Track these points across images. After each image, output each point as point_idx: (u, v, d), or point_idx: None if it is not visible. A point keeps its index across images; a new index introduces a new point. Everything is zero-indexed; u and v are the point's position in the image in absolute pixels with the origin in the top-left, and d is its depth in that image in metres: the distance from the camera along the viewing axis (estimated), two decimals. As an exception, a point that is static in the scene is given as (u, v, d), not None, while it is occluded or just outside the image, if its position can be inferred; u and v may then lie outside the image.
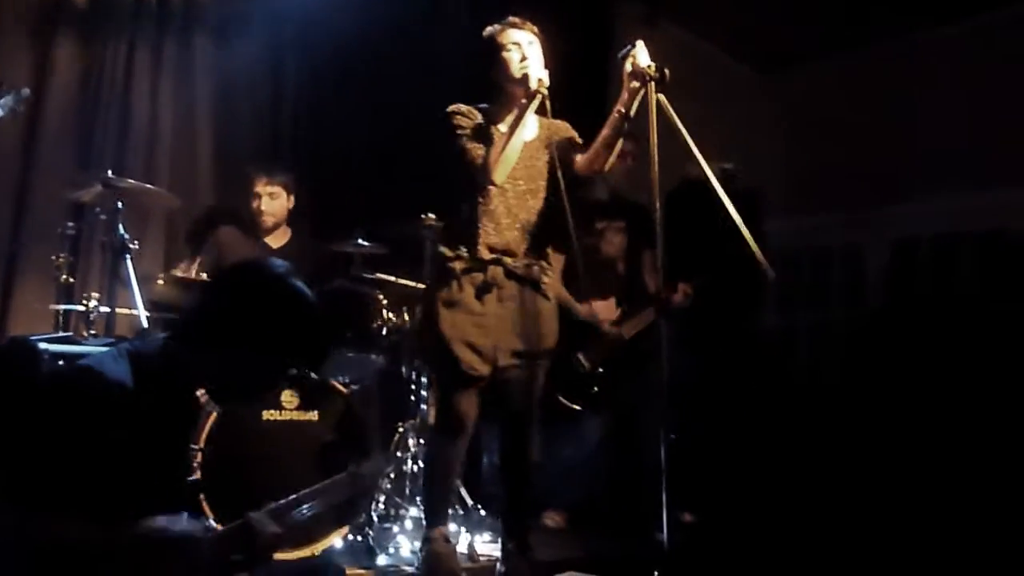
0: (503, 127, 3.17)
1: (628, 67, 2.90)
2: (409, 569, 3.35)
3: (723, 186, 3.06)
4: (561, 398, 4.26)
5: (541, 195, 3.22)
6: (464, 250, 3.14)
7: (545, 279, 3.23)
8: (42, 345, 2.86)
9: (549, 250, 3.28)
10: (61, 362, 2.84)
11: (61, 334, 3.31)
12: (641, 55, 2.87)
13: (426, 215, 4.02)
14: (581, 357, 4.34)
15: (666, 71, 2.80)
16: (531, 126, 3.18)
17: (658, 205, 2.72)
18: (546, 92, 3.04)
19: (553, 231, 3.23)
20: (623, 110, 2.98)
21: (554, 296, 3.29)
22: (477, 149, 3.13)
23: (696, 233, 3.98)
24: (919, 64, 5.35)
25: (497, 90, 3.22)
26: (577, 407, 4.30)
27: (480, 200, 3.15)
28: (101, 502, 1.85)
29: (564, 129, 3.27)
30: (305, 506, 2.18)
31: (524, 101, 3.07)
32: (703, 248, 4.27)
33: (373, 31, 4.86)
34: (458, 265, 3.13)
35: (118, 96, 4.67)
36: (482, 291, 3.11)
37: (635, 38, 3.75)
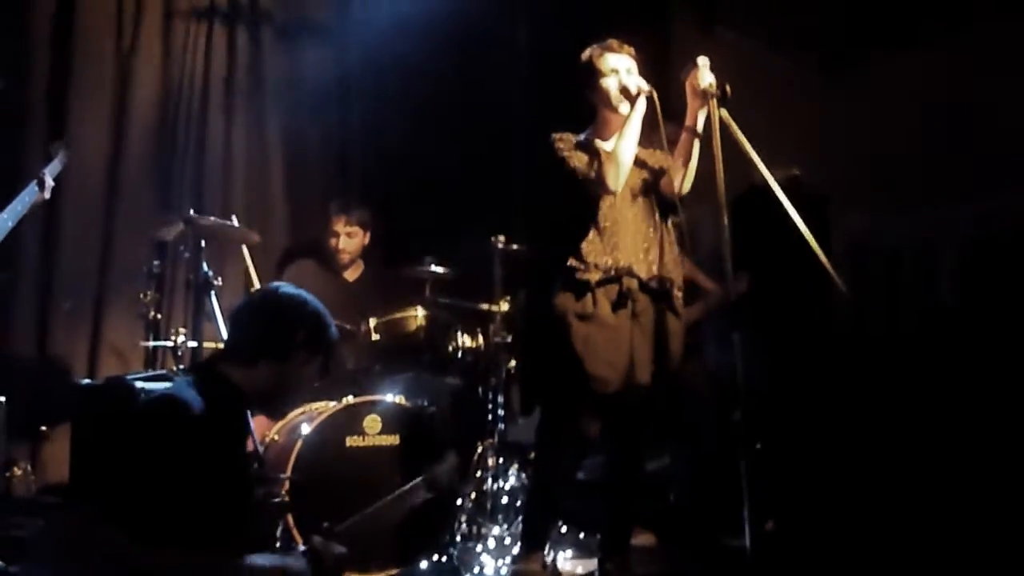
0: (605, 145, 3.15)
1: (690, 86, 2.94)
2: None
3: (790, 192, 3.07)
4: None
5: (646, 207, 3.20)
6: (596, 263, 3.08)
7: (677, 293, 3.18)
8: (138, 384, 3.00)
9: (669, 260, 3.23)
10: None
11: (153, 372, 3.45)
12: (703, 73, 2.90)
13: (495, 236, 4.10)
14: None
15: (727, 87, 2.83)
16: (632, 144, 3.11)
17: (725, 220, 2.74)
18: (650, 89, 3.03)
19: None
20: (691, 128, 3.00)
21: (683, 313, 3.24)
22: (585, 162, 3.11)
23: (762, 239, 3.97)
24: (982, 58, 5.26)
25: (594, 114, 3.23)
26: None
27: (598, 213, 3.12)
28: (194, 530, 1.95)
29: (656, 155, 3.23)
30: (382, 515, 2.28)
31: (630, 107, 3.07)
32: (768, 253, 4.25)
33: (434, 56, 4.95)
34: (592, 276, 3.07)
35: (194, 137, 4.87)
36: (618, 305, 3.06)
37: (693, 48, 3.78)
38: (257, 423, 3.18)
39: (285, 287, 2.27)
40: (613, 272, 3.08)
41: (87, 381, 3.52)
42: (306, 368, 2.22)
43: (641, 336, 3.10)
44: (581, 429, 3.12)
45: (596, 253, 3.10)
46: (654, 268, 3.15)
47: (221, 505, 2.09)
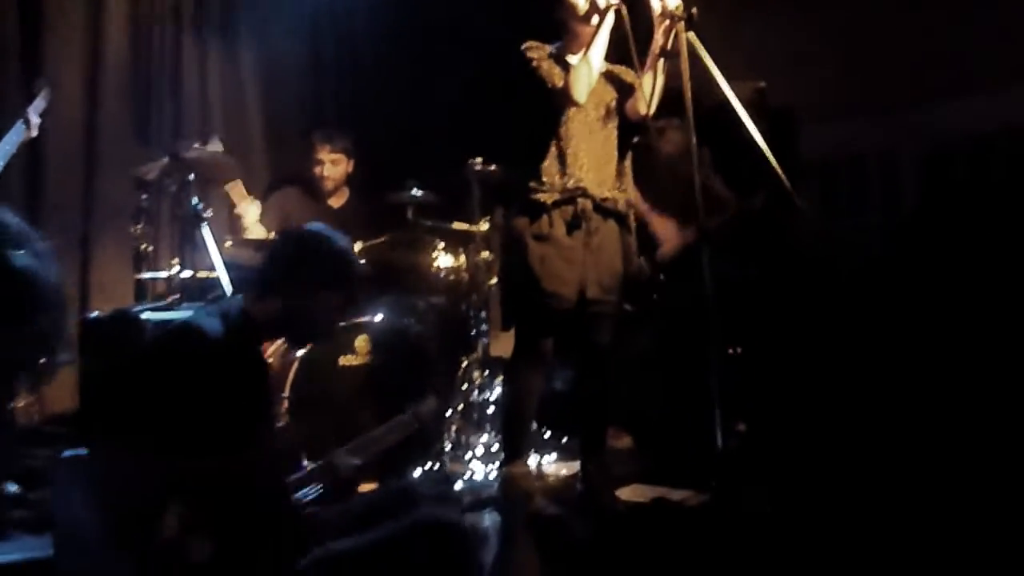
0: (574, 59, 3.22)
1: (658, 8, 3.03)
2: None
3: (757, 106, 3.19)
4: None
5: (614, 126, 3.30)
6: (552, 184, 3.19)
7: (631, 213, 3.31)
8: (144, 315, 3.14)
9: (627, 175, 3.34)
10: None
11: (157, 303, 3.59)
12: (670, -2, 3.00)
13: (472, 159, 4.22)
14: (643, 262, 4.43)
15: (694, 10, 2.93)
16: (599, 54, 3.17)
17: (695, 140, 2.87)
18: (618, 2, 3.08)
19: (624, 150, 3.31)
20: (658, 51, 3.10)
21: (634, 226, 3.36)
22: (554, 72, 3.19)
23: (733, 153, 4.07)
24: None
25: (564, 29, 3.30)
26: (632, 310, 4.36)
27: (561, 132, 3.21)
28: (209, 441, 2.11)
29: (627, 73, 3.30)
30: (377, 443, 2.47)
31: (598, 20, 3.12)
32: (742, 170, 4.35)
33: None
34: (547, 198, 3.18)
35: (168, 72, 4.91)
36: (573, 225, 3.17)
37: None
38: None
39: (315, 226, 2.36)
40: (568, 193, 3.20)
41: (94, 314, 3.64)
42: (327, 304, 2.30)
43: (594, 254, 3.23)
44: (542, 344, 3.30)
45: (553, 174, 3.21)
46: (609, 188, 3.28)
47: (245, 426, 2.23)
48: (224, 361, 2.17)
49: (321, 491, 2.33)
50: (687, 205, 4.47)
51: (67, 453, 2.72)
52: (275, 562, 2.13)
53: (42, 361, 4.52)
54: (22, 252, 1.21)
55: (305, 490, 2.31)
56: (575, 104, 3.16)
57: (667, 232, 4.41)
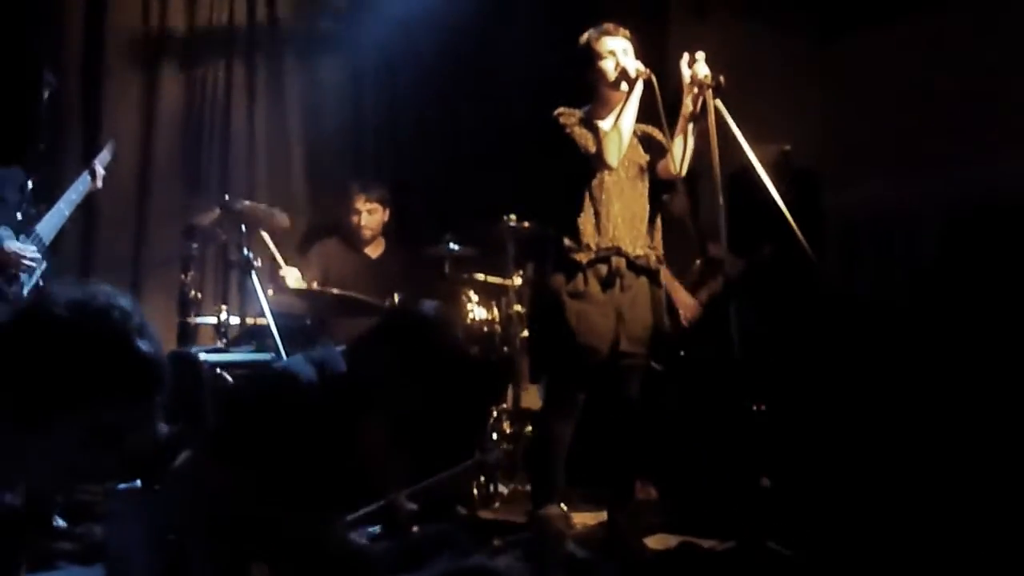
0: (604, 124, 3.38)
1: (687, 76, 3.20)
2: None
3: (782, 167, 3.34)
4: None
5: (645, 186, 3.45)
6: (587, 242, 3.34)
7: (662, 267, 3.46)
8: (202, 356, 3.30)
9: (657, 232, 3.47)
10: (219, 370, 3.25)
11: (213, 346, 3.76)
12: (700, 66, 3.18)
13: (507, 216, 4.39)
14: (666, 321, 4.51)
15: (722, 79, 3.11)
16: (630, 122, 3.33)
17: (721, 200, 3.03)
18: (648, 72, 3.25)
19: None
20: (688, 116, 3.26)
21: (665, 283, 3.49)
22: (587, 137, 3.35)
23: (756, 214, 4.21)
24: (967, 31, 5.46)
25: (594, 93, 3.44)
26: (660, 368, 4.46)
27: (594, 191, 3.35)
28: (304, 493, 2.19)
29: (656, 133, 3.44)
30: (438, 487, 2.57)
31: (628, 88, 3.28)
32: (764, 227, 4.47)
33: (441, 47, 5.21)
34: (583, 258, 3.33)
35: (219, 125, 5.18)
36: (607, 283, 3.32)
37: (688, 31, 3.97)
38: None
39: (430, 313, 2.48)
40: (603, 252, 3.33)
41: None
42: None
43: (628, 310, 3.36)
44: (574, 396, 3.41)
45: (588, 233, 3.34)
46: (642, 246, 3.41)
47: (331, 487, 2.30)
48: (315, 412, 2.23)
49: (378, 531, 2.43)
50: (694, 267, 4.65)
51: (121, 486, 2.87)
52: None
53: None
54: (146, 340, 1.35)
55: (363, 529, 2.41)
56: (608, 168, 3.32)
57: (684, 300, 4.52)
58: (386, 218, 4.74)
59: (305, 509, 2.20)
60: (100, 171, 3.84)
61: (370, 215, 4.67)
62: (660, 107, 3.24)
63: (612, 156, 3.28)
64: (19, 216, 3.54)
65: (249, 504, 2.14)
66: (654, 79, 3.26)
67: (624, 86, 3.32)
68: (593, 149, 3.32)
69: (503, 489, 4.24)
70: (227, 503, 2.16)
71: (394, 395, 2.36)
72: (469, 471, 2.65)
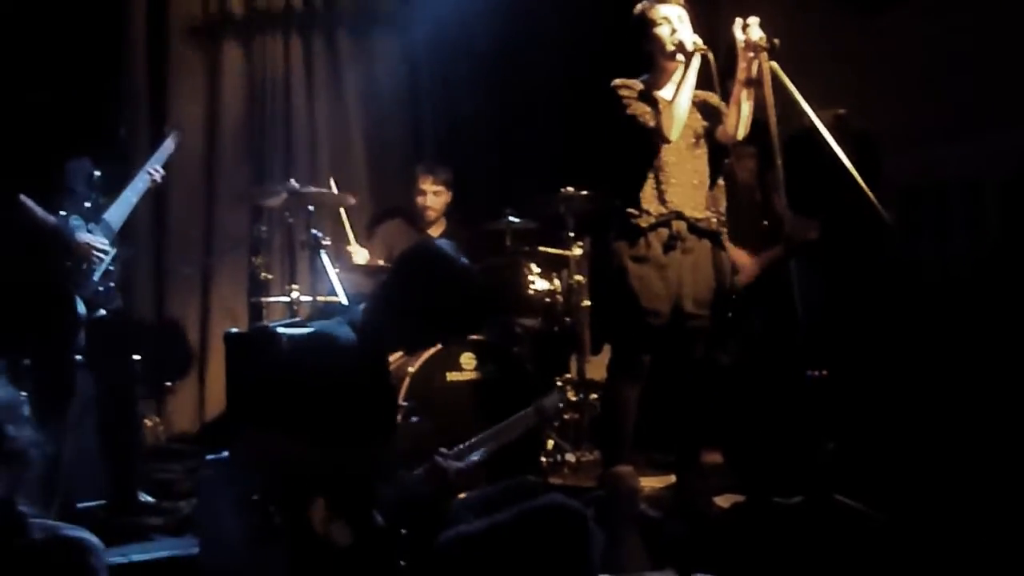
0: (663, 93, 3.43)
1: (742, 41, 3.22)
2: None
3: (839, 131, 3.35)
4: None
5: (704, 152, 3.49)
6: (649, 209, 3.39)
7: (724, 230, 3.50)
8: (279, 329, 3.44)
9: (719, 196, 3.52)
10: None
11: (289, 320, 3.90)
12: (753, 29, 3.19)
13: (564, 188, 4.46)
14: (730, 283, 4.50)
15: (776, 41, 3.13)
16: (688, 97, 3.35)
17: (780, 163, 3.06)
18: (706, 48, 3.28)
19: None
20: (744, 80, 3.28)
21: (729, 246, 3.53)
22: (646, 112, 3.39)
23: (817, 177, 4.21)
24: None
25: (651, 63, 3.48)
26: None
27: (654, 160, 3.39)
28: (343, 436, 2.32)
29: (712, 98, 3.47)
30: (497, 438, 2.65)
31: (685, 62, 3.32)
32: (824, 191, 4.47)
33: (495, 27, 5.28)
34: (644, 222, 3.38)
35: (280, 112, 5.33)
36: (669, 246, 3.38)
37: (740, 1, 3.95)
38: None
39: (441, 243, 2.56)
40: (664, 217, 3.38)
41: (233, 330, 3.98)
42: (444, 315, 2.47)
43: (690, 272, 3.41)
44: (639, 358, 3.46)
45: (649, 200, 3.39)
46: (702, 210, 3.45)
47: (371, 424, 2.46)
48: (354, 362, 2.39)
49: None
50: (760, 232, 4.66)
51: (210, 457, 3.02)
52: (408, 543, 2.34)
53: (167, 384, 4.92)
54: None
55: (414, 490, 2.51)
56: (668, 142, 3.37)
57: (742, 260, 4.49)
58: (449, 199, 4.83)
59: (353, 448, 2.32)
60: (159, 171, 3.91)
61: (435, 196, 4.77)
62: (714, 75, 3.28)
63: (672, 131, 3.33)
64: (88, 205, 3.65)
65: (306, 455, 2.29)
66: (711, 55, 3.29)
67: (680, 57, 3.34)
68: (652, 124, 3.36)
69: (571, 458, 4.33)
70: (289, 458, 2.30)
71: (412, 327, 2.47)
72: (527, 418, 2.69)
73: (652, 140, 3.39)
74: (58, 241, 3.44)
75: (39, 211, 3.42)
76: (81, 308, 3.50)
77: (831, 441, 4.47)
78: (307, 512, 2.28)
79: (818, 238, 4.49)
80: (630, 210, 3.41)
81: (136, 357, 3.83)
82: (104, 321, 3.62)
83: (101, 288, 3.60)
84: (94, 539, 2.07)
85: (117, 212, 3.75)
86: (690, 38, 3.33)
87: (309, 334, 2.52)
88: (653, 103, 3.43)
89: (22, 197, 3.39)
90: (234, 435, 2.54)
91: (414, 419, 2.82)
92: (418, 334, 2.57)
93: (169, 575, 3.13)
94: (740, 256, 4.45)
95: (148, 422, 4.70)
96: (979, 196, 5.88)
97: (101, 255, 3.57)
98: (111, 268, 3.64)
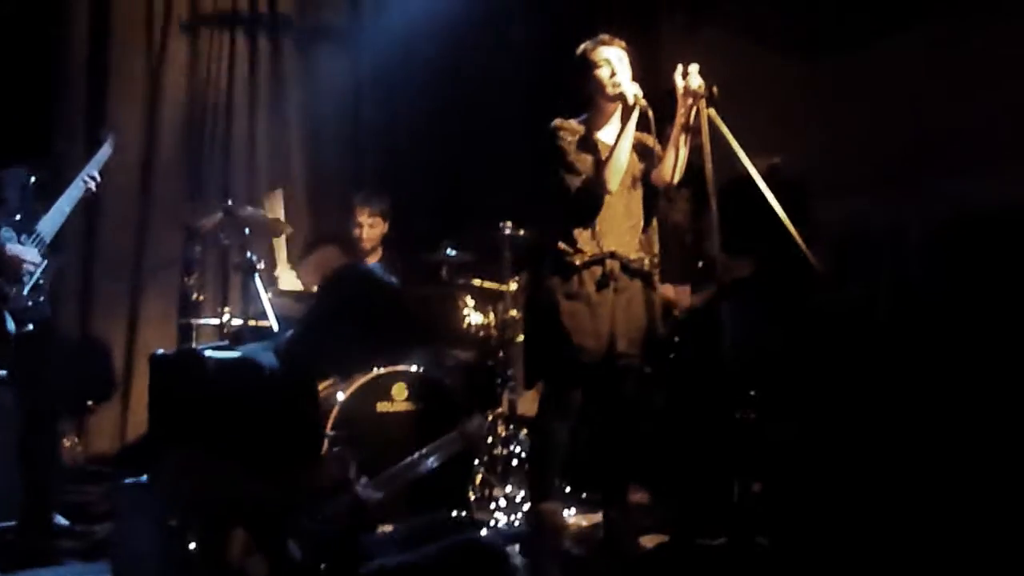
0: (603, 136, 3.49)
1: (681, 87, 3.30)
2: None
3: (771, 179, 3.43)
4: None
5: (639, 193, 3.55)
6: (582, 246, 3.42)
7: (656, 271, 3.55)
8: (207, 352, 3.37)
9: (653, 237, 3.56)
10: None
11: (218, 343, 3.83)
12: (693, 77, 3.27)
13: (502, 223, 4.48)
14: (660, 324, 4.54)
15: (714, 89, 3.21)
16: (627, 149, 3.41)
17: (714, 206, 3.12)
18: (645, 104, 3.34)
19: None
20: (681, 125, 3.36)
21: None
22: (586, 162, 3.45)
23: (750, 221, 4.29)
24: (958, 49, 5.58)
25: (591, 103, 3.54)
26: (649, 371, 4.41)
27: (590, 206, 3.43)
28: (264, 465, 2.28)
29: (648, 139, 3.52)
30: (418, 465, 2.62)
31: (624, 113, 3.38)
32: (757, 234, 4.56)
33: (439, 54, 5.34)
34: (578, 259, 3.42)
35: (220, 132, 5.28)
36: (601, 284, 3.41)
37: (680, 45, 4.05)
38: None
39: (369, 267, 2.57)
40: (598, 255, 3.41)
41: (160, 351, 3.88)
42: (366, 340, 2.44)
43: (622, 311, 3.44)
44: (569, 397, 3.49)
45: (583, 238, 3.43)
46: (636, 250, 3.50)
47: (294, 452, 2.43)
48: (276, 390, 2.35)
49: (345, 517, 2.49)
50: (693, 271, 4.74)
51: (128, 480, 2.94)
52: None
53: (88, 403, 4.80)
54: None
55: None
56: (608, 193, 3.41)
57: (676, 295, 4.56)
58: (386, 230, 4.81)
59: (274, 477, 2.28)
60: (96, 177, 3.84)
61: (371, 228, 4.74)
62: (651, 124, 3.36)
63: (612, 184, 3.39)
64: (19, 217, 3.59)
65: (227, 482, 2.24)
66: (650, 112, 3.35)
67: (628, 99, 3.37)
68: (592, 173, 3.41)
69: (499, 493, 4.32)
70: (209, 485, 2.26)
71: (340, 350, 2.44)
72: (452, 443, 2.68)
73: (591, 188, 3.43)
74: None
75: None
76: (9, 323, 3.42)
77: (755, 483, 4.59)
78: (224, 542, 2.25)
79: (750, 275, 4.59)
80: (564, 247, 3.44)
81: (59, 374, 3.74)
82: (30, 336, 3.53)
83: (30, 302, 3.52)
84: None
85: (50, 222, 3.68)
86: (631, 90, 3.38)
87: (232, 359, 2.48)
88: (593, 146, 3.48)
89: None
90: (155, 459, 2.49)
91: (335, 449, 2.78)
92: (343, 358, 2.52)
93: (80, 601, 3.04)
94: (672, 291, 4.52)
95: (66, 442, 4.57)
96: (905, 245, 6.07)
97: (30, 267, 3.50)
98: (40, 281, 3.57)
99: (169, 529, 2.44)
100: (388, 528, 2.59)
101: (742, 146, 3.28)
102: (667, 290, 4.42)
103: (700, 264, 4.59)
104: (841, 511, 4.04)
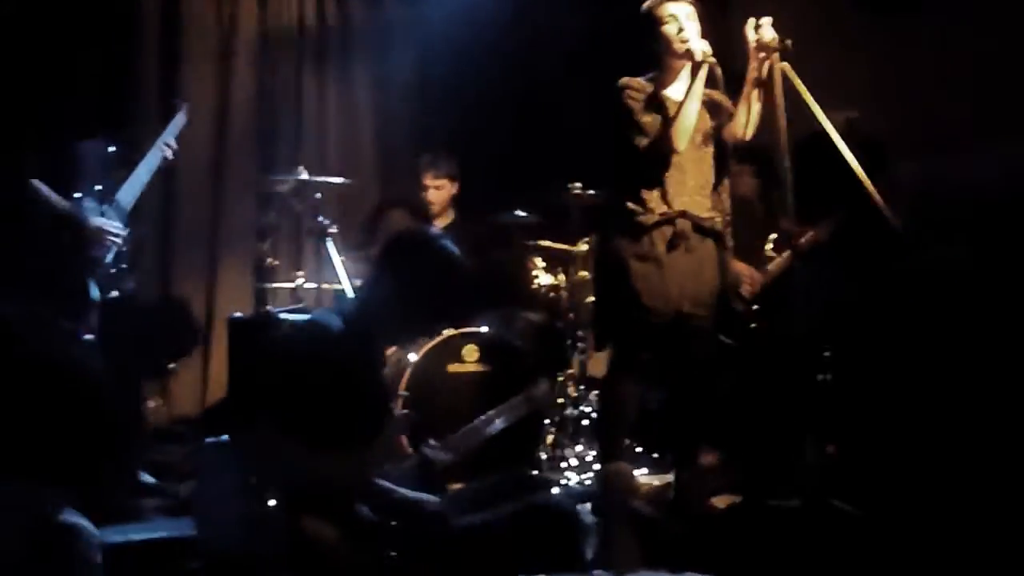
0: (671, 93, 3.43)
1: (754, 41, 3.22)
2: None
3: (849, 135, 3.34)
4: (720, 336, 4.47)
5: (711, 151, 3.49)
6: (652, 207, 3.39)
7: (728, 231, 3.49)
8: (282, 315, 3.46)
9: (724, 196, 3.52)
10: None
11: (292, 306, 3.92)
12: (766, 30, 3.19)
13: (571, 185, 4.46)
14: (737, 296, 4.41)
15: (788, 42, 3.12)
16: (695, 107, 3.36)
17: (788, 164, 3.05)
18: (714, 61, 3.28)
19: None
20: (754, 80, 3.28)
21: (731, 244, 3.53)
22: (653, 122, 3.39)
23: (826, 181, 4.20)
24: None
25: (659, 61, 3.48)
26: (732, 343, 4.34)
27: (659, 164, 3.39)
28: (331, 427, 2.33)
29: (720, 96, 3.48)
30: (485, 428, 2.65)
31: (692, 71, 3.32)
32: (833, 195, 4.46)
33: (507, 19, 5.29)
34: (648, 220, 3.39)
35: (291, 104, 5.36)
36: (672, 245, 3.38)
37: (752, 2, 3.93)
38: None
39: (429, 230, 2.58)
40: (668, 215, 3.38)
41: (238, 314, 3.99)
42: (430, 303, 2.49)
43: (693, 272, 3.41)
44: (638, 356, 3.48)
45: (653, 198, 3.39)
46: (707, 210, 3.45)
47: (362, 414, 2.47)
48: (341, 353, 2.39)
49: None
50: (758, 244, 4.67)
51: (210, 440, 3.03)
52: (398, 536, 2.35)
53: (170, 366, 4.95)
54: None
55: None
56: (675, 152, 3.36)
57: (745, 272, 4.44)
58: (454, 191, 4.83)
59: (341, 441, 2.32)
60: (172, 145, 3.92)
61: (438, 191, 4.77)
62: (719, 81, 3.31)
63: (680, 143, 3.33)
64: (101, 188, 3.69)
65: (298, 447, 2.28)
66: (718, 70, 3.29)
67: (695, 56, 3.30)
68: (660, 134, 3.36)
69: (570, 453, 4.34)
70: (282, 449, 2.30)
71: (401, 316, 2.47)
72: (517, 407, 2.70)
73: (659, 148, 3.38)
74: (71, 225, 3.46)
75: (52, 195, 3.44)
76: (94, 291, 3.53)
77: (830, 445, 4.53)
78: (298, 506, 2.29)
79: (827, 239, 4.49)
80: (633, 207, 3.41)
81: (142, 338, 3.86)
82: (116, 302, 3.65)
83: (113, 270, 3.64)
84: (88, 526, 2.09)
85: (130, 191, 3.79)
86: (699, 46, 3.31)
87: (302, 322, 2.52)
88: (660, 104, 3.43)
89: (35, 182, 3.42)
90: (235, 420, 2.55)
91: (404, 412, 2.82)
92: (403, 324, 2.56)
93: (166, 556, 3.14)
94: (743, 268, 4.45)
95: (151, 403, 4.72)
96: (983, 203, 5.88)
97: (114, 239, 3.60)
98: (123, 249, 3.68)
99: (249, 488, 2.50)
100: (459, 487, 2.61)
101: (817, 102, 3.20)
102: (740, 267, 4.35)
103: (773, 236, 4.53)
104: (917, 475, 4.01)
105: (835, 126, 3.23)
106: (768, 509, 3.09)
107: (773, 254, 4.51)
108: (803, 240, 4.35)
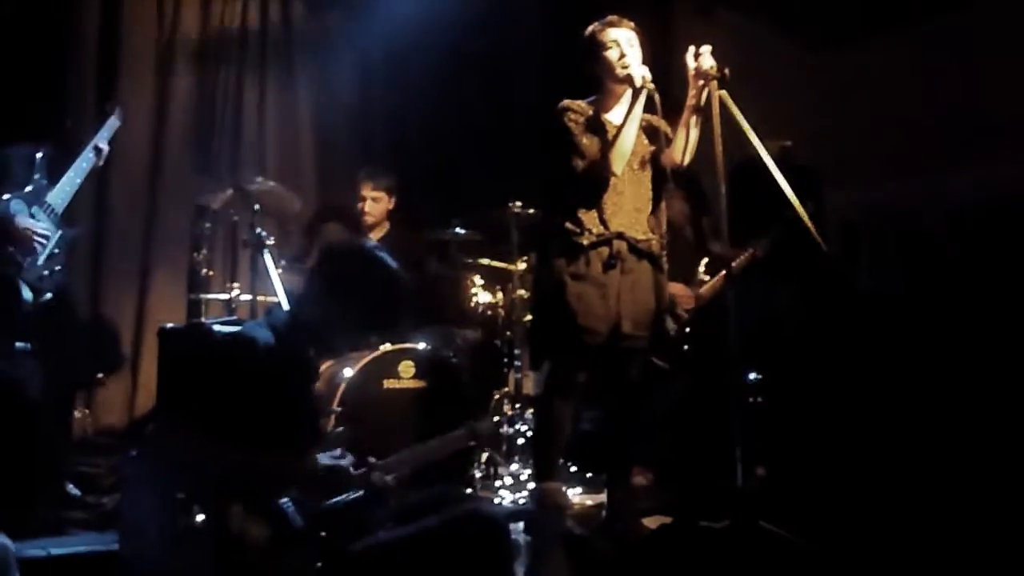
0: (611, 117, 3.48)
1: (693, 68, 3.27)
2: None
3: (783, 163, 3.41)
4: (653, 358, 4.53)
5: (648, 175, 3.54)
6: (590, 227, 3.42)
7: (664, 253, 3.52)
8: (214, 327, 3.40)
9: (662, 220, 3.55)
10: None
11: (226, 318, 3.86)
12: (705, 58, 3.24)
13: (512, 202, 4.48)
14: (668, 319, 4.58)
15: (726, 71, 3.19)
16: (633, 133, 3.41)
17: (723, 190, 3.11)
18: (653, 87, 3.33)
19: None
20: (692, 107, 3.34)
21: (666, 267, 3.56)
22: (592, 145, 3.43)
23: (759, 205, 4.28)
24: (967, 40, 5.55)
25: (600, 84, 3.52)
26: (666, 365, 4.34)
27: (598, 187, 3.42)
28: (262, 437, 2.32)
29: (658, 121, 3.51)
30: (425, 455, 2.66)
31: (632, 96, 3.36)
32: (765, 218, 4.55)
33: (451, 34, 5.32)
34: (584, 240, 3.41)
35: (230, 112, 5.29)
36: (608, 265, 3.42)
37: (694, 28, 4.02)
38: None
39: (366, 243, 2.58)
40: (605, 236, 3.41)
41: (169, 325, 3.92)
42: (361, 316, 2.49)
43: (629, 292, 3.43)
44: (574, 377, 3.49)
45: (591, 219, 3.42)
46: (644, 232, 3.49)
47: (290, 428, 2.45)
48: (270, 365, 2.38)
49: (359, 496, 2.51)
50: (689, 268, 4.74)
51: (135, 452, 2.97)
52: (327, 546, 2.32)
53: (98, 376, 4.83)
54: None
55: (345, 495, 2.51)
56: (613, 175, 3.40)
57: (679, 292, 4.54)
58: (390, 205, 4.80)
59: (270, 451, 2.32)
60: (104, 148, 3.87)
61: (374, 203, 4.74)
62: (658, 107, 3.36)
63: (617, 167, 3.38)
64: (29, 189, 3.63)
65: (229, 456, 2.28)
66: (656, 97, 3.34)
67: (635, 81, 3.35)
68: (598, 157, 3.40)
69: (504, 472, 4.34)
70: (206, 457, 2.29)
71: (334, 327, 2.48)
72: (459, 439, 2.70)
73: (597, 170, 3.42)
74: (-3, 226, 3.39)
75: None
76: (27, 293, 3.45)
77: (760, 467, 4.60)
78: (224, 513, 2.27)
79: (764, 256, 4.58)
80: (570, 227, 3.43)
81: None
82: (49, 305, 3.59)
83: (46, 272, 3.57)
84: (3, 539, 2.04)
85: (60, 193, 3.74)
86: (639, 72, 3.36)
87: (230, 334, 2.50)
88: (601, 127, 3.47)
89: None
90: (162, 431, 2.51)
91: (339, 429, 2.80)
92: (333, 335, 2.55)
93: (88, 570, 3.07)
94: (679, 289, 4.51)
95: (77, 414, 4.60)
96: (915, 232, 6.06)
97: (42, 240, 3.54)
98: (56, 251, 3.62)
99: (175, 501, 2.46)
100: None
101: (753, 130, 3.26)
102: (676, 287, 4.43)
103: (705, 260, 4.61)
104: (846, 496, 4.09)
105: (770, 153, 3.31)
106: (698, 530, 3.12)
107: (706, 277, 4.61)
108: (738, 261, 4.46)
